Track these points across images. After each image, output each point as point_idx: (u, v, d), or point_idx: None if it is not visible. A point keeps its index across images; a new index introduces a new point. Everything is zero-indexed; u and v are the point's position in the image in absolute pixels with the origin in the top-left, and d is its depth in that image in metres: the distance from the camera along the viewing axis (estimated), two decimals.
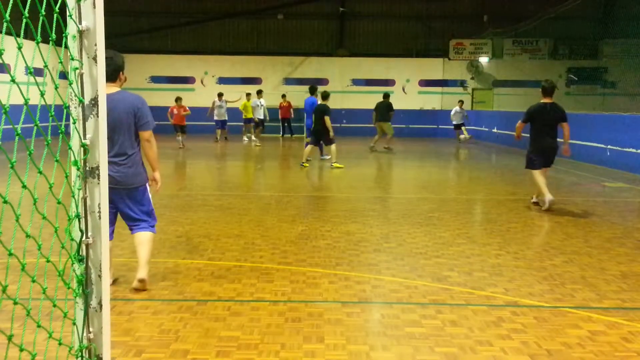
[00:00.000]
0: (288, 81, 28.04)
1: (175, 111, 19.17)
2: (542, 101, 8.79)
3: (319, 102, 14.59)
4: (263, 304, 4.50)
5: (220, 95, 22.18)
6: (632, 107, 16.16)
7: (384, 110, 18.70)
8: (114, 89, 4.67)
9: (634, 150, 13.82)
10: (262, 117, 22.36)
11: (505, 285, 5.08)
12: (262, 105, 22.21)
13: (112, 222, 4.84)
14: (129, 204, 4.79)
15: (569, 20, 24.13)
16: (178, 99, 19.42)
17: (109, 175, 4.62)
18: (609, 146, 14.44)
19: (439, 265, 5.72)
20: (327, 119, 14.01)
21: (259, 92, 22.85)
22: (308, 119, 14.89)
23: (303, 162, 14.48)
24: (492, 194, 10.87)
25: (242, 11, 28.00)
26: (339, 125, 26.85)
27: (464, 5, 27.84)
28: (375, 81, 27.70)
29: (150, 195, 4.96)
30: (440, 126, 27.44)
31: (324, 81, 28.05)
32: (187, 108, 19.69)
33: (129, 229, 4.95)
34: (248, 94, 23.10)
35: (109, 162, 4.64)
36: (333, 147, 14.29)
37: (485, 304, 4.60)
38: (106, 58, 4.75)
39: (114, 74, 4.65)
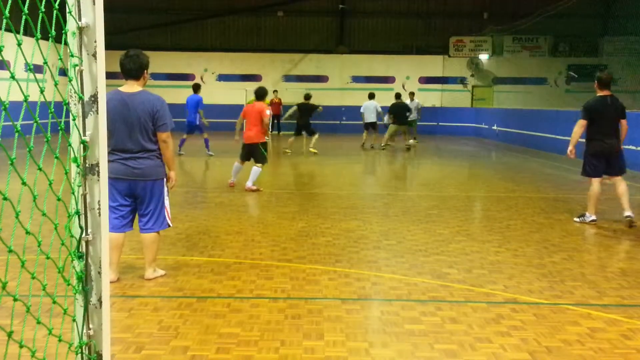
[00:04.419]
0: (288, 78, 28.01)
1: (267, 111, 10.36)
2: (599, 94, 7.58)
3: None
4: (263, 301, 4.51)
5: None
6: (632, 104, 16.14)
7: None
8: (136, 87, 4.78)
9: (634, 148, 13.82)
10: (372, 120, 19.37)
11: (505, 283, 5.08)
12: (376, 109, 19.35)
13: (127, 216, 4.88)
14: (144, 197, 4.83)
15: (569, 17, 24.07)
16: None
17: (128, 167, 4.66)
18: None
19: (439, 262, 5.72)
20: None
21: (372, 96, 19.38)
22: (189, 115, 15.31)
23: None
24: (491, 191, 10.87)
25: (242, 8, 27.96)
26: (338, 122, 26.90)
27: (464, 2, 27.78)
28: (375, 78, 27.68)
29: (167, 196, 5.00)
30: (440, 123, 27.44)
31: (324, 78, 28.04)
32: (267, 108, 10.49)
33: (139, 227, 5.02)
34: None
35: (129, 158, 4.70)
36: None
37: (484, 301, 4.60)
38: (132, 56, 4.88)
39: (139, 71, 4.78)
